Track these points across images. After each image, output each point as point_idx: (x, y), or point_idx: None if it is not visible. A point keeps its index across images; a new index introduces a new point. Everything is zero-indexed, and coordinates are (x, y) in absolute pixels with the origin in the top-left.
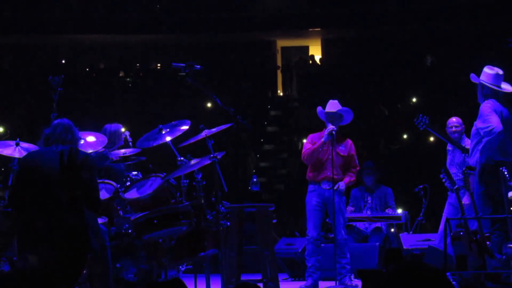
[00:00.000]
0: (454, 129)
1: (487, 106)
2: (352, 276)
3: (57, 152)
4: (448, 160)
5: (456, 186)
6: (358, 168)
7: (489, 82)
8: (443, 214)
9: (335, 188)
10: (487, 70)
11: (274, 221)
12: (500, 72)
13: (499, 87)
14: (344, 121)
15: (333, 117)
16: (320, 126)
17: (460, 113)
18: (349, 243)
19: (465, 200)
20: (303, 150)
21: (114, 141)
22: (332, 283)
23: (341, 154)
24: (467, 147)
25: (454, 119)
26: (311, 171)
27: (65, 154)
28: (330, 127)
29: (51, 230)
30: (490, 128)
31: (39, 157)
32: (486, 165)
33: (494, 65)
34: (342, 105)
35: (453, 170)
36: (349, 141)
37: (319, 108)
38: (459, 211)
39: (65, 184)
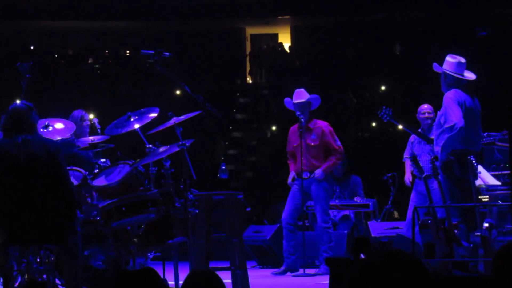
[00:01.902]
0: (427, 115)
1: (449, 98)
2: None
3: (24, 141)
4: (407, 152)
5: (425, 174)
6: (339, 149)
7: (451, 70)
8: (410, 202)
9: (311, 176)
10: (450, 59)
11: (248, 209)
12: (463, 60)
13: (462, 75)
14: (312, 107)
15: (302, 106)
16: (290, 114)
17: (429, 101)
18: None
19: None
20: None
21: (77, 128)
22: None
23: (312, 144)
24: (432, 137)
25: (425, 105)
26: (294, 163)
27: (35, 143)
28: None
29: (24, 221)
30: (451, 125)
31: (6, 149)
32: (450, 155)
33: (459, 54)
34: (311, 93)
35: (425, 158)
36: (321, 128)
37: (286, 99)
38: (426, 199)
39: (37, 174)
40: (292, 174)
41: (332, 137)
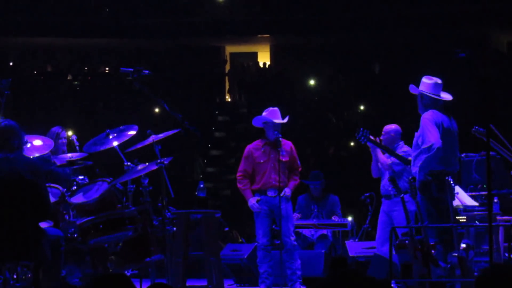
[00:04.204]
0: (382, 137)
1: (426, 119)
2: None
3: (6, 160)
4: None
5: (402, 195)
6: (300, 169)
7: (428, 91)
8: (378, 222)
9: (281, 195)
10: (426, 80)
11: (227, 229)
12: (439, 81)
13: (439, 96)
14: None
15: (279, 125)
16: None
17: (406, 121)
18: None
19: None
20: (239, 174)
21: (56, 144)
22: None
23: (283, 160)
24: (409, 158)
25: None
26: (256, 182)
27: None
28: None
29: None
30: (429, 145)
31: None
32: (427, 175)
33: (436, 75)
34: (290, 111)
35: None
36: (289, 144)
37: (263, 117)
38: (390, 218)
39: (18, 191)
40: (254, 197)
41: (296, 155)
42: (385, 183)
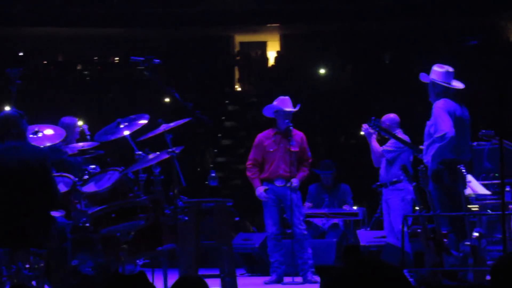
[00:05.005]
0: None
1: (439, 108)
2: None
3: (14, 148)
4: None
5: (415, 184)
6: (310, 161)
7: (440, 80)
8: (383, 211)
9: (288, 185)
10: (437, 68)
11: (237, 218)
12: (450, 69)
13: (450, 84)
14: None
15: (290, 114)
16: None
17: (418, 110)
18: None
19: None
20: (249, 162)
21: (69, 134)
22: (293, 279)
23: (292, 150)
24: (421, 147)
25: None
26: (264, 171)
27: (25, 150)
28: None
29: (11, 228)
30: (442, 134)
31: None
32: (440, 164)
33: (445, 63)
34: (300, 100)
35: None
36: (300, 134)
37: (274, 106)
38: (389, 207)
39: (26, 179)
40: (262, 186)
41: (308, 146)
42: (381, 172)
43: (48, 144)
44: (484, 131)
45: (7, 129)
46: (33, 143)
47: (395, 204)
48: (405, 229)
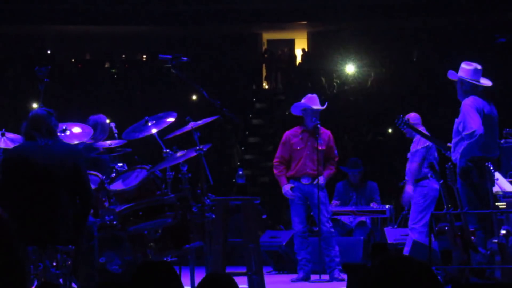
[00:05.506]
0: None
1: (468, 105)
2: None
3: (46, 146)
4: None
5: (442, 181)
6: (337, 159)
7: (468, 77)
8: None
9: (314, 183)
10: (465, 66)
11: (264, 216)
12: (479, 67)
13: (478, 81)
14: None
15: (317, 112)
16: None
17: (446, 108)
18: (335, 235)
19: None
20: (275, 160)
21: (97, 132)
22: (320, 277)
23: (319, 148)
24: (449, 144)
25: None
26: (291, 168)
27: (56, 148)
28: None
29: (41, 226)
30: (471, 132)
31: (27, 152)
32: (468, 161)
33: (474, 61)
34: (328, 99)
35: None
36: (327, 133)
37: (302, 104)
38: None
39: (58, 177)
40: (289, 184)
41: (335, 144)
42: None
43: (76, 142)
44: (508, 129)
45: (37, 128)
46: (65, 141)
47: (416, 201)
48: (433, 226)
